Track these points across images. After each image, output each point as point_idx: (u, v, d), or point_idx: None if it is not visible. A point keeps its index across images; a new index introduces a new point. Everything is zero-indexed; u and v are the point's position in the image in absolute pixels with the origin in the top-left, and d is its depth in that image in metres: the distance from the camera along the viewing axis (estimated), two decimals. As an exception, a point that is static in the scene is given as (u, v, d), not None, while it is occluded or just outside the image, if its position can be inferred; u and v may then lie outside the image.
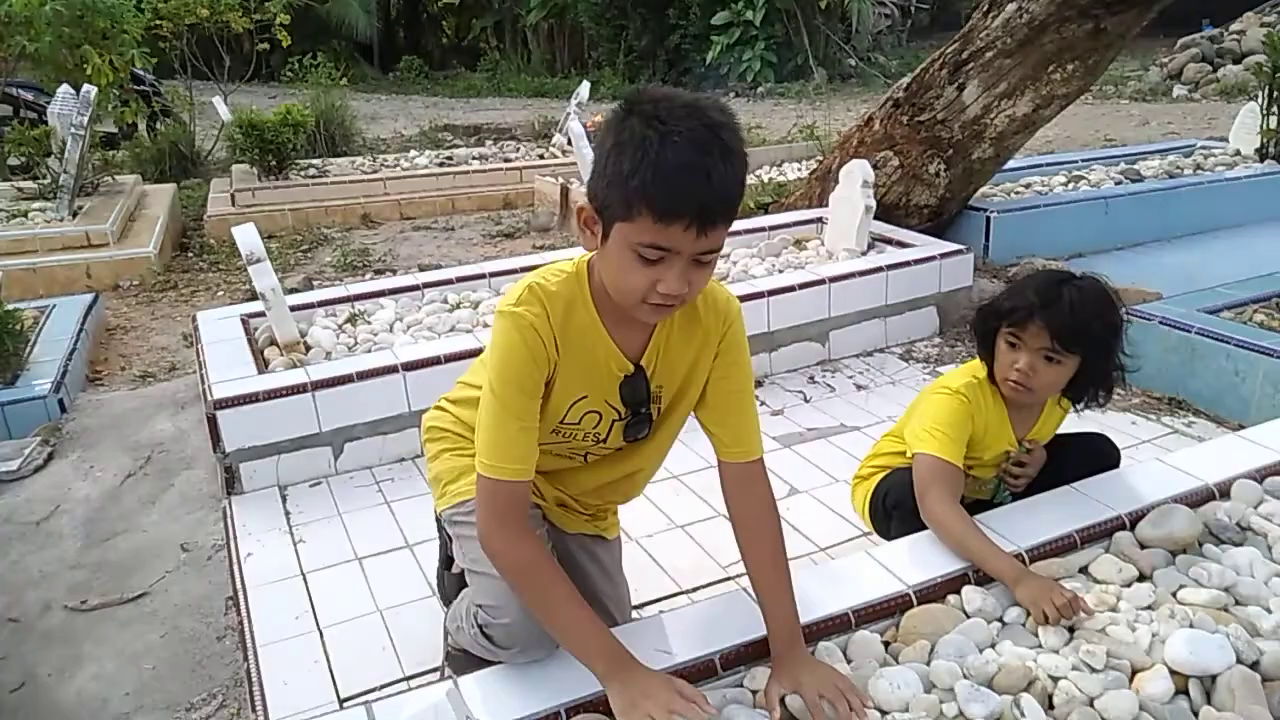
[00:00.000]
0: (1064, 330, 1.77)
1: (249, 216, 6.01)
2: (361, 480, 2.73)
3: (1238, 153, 5.70)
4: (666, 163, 1.18)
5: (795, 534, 2.36)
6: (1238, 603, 1.60)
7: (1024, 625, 1.57)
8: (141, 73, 7.68)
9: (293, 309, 3.25)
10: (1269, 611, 1.55)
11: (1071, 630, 1.54)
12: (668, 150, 1.18)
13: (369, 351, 3.01)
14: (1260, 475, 1.97)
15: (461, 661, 1.62)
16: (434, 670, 1.86)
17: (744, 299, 3.27)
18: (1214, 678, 1.41)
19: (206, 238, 5.99)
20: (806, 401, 3.21)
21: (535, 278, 1.42)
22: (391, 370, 2.76)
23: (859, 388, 3.31)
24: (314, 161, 7.26)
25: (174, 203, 6.45)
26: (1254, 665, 1.44)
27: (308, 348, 3.08)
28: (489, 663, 1.50)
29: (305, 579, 2.24)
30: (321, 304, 3.42)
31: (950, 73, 3.99)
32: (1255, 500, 1.88)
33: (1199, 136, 6.89)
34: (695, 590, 2.14)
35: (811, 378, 3.42)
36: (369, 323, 3.30)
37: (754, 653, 1.49)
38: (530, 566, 1.39)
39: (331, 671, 1.91)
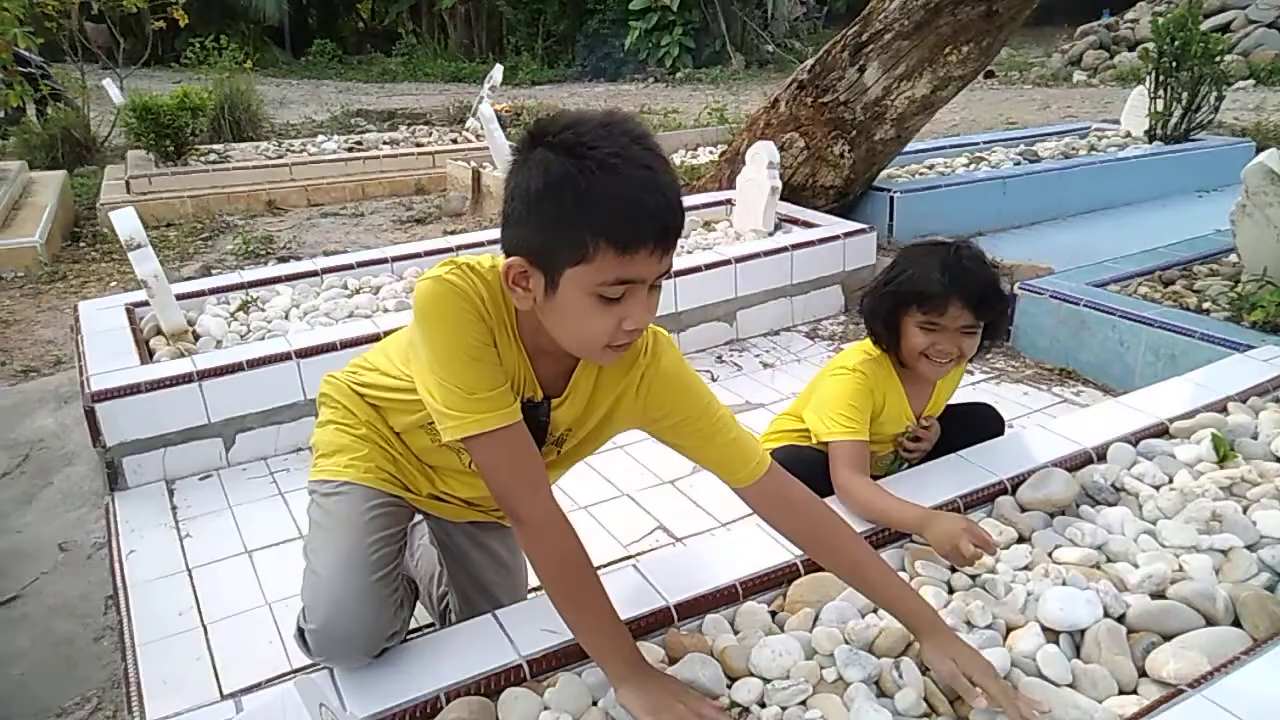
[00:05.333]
0: (981, 304, 1.81)
1: (145, 204, 5.76)
2: (255, 472, 2.63)
3: (1128, 134, 5.92)
4: (617, 190, 1.07)
5: (697, 510, 2.37)
6: (1109, 560, 1.65)
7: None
8: (26, 54, 7.26)
9: (182, 297, 3.12)
10: (1136, 566, 1.60)
11: (950, 590, 1.57)
12: (612, 176, 1.07)
13: (262, 339, 2.90)
14: (1134, 438, 2.05)
15: None
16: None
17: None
18: (1083, 632, 1.46)
19: (100, 226, 5.70)
20: (714, 381, 3.22)
21: (461, 259, 1.25)
22: (284, 358, 2.67)
23: (765, 366, 3.34)
24: (215, 147, 6.99)
25: (65, 190, 6.13)
26: (1120, 618, 1.49)
27: (196, 336, 2.96)
28: None
29: (190, 574, 2.16)
30: (213, 291, 3.28)
31: (851, 54, 4.04)
32: (1129, 462, 1.95)
33: (1095, 119, 7.14)
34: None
35: (719, 357, 3.43)
36: (263, 310, 3.19)
37: (641, 628, 1.48)
38: (570, 554, 1.26)
39: (215, 668, 1.84)
